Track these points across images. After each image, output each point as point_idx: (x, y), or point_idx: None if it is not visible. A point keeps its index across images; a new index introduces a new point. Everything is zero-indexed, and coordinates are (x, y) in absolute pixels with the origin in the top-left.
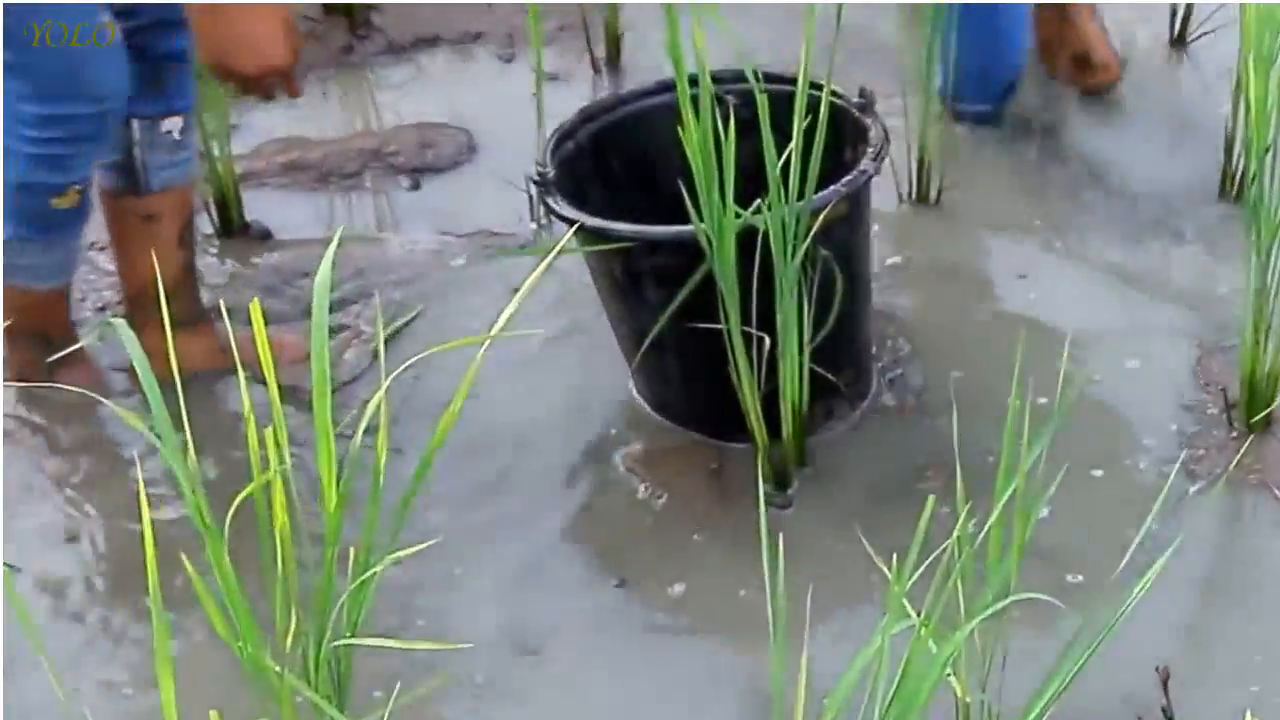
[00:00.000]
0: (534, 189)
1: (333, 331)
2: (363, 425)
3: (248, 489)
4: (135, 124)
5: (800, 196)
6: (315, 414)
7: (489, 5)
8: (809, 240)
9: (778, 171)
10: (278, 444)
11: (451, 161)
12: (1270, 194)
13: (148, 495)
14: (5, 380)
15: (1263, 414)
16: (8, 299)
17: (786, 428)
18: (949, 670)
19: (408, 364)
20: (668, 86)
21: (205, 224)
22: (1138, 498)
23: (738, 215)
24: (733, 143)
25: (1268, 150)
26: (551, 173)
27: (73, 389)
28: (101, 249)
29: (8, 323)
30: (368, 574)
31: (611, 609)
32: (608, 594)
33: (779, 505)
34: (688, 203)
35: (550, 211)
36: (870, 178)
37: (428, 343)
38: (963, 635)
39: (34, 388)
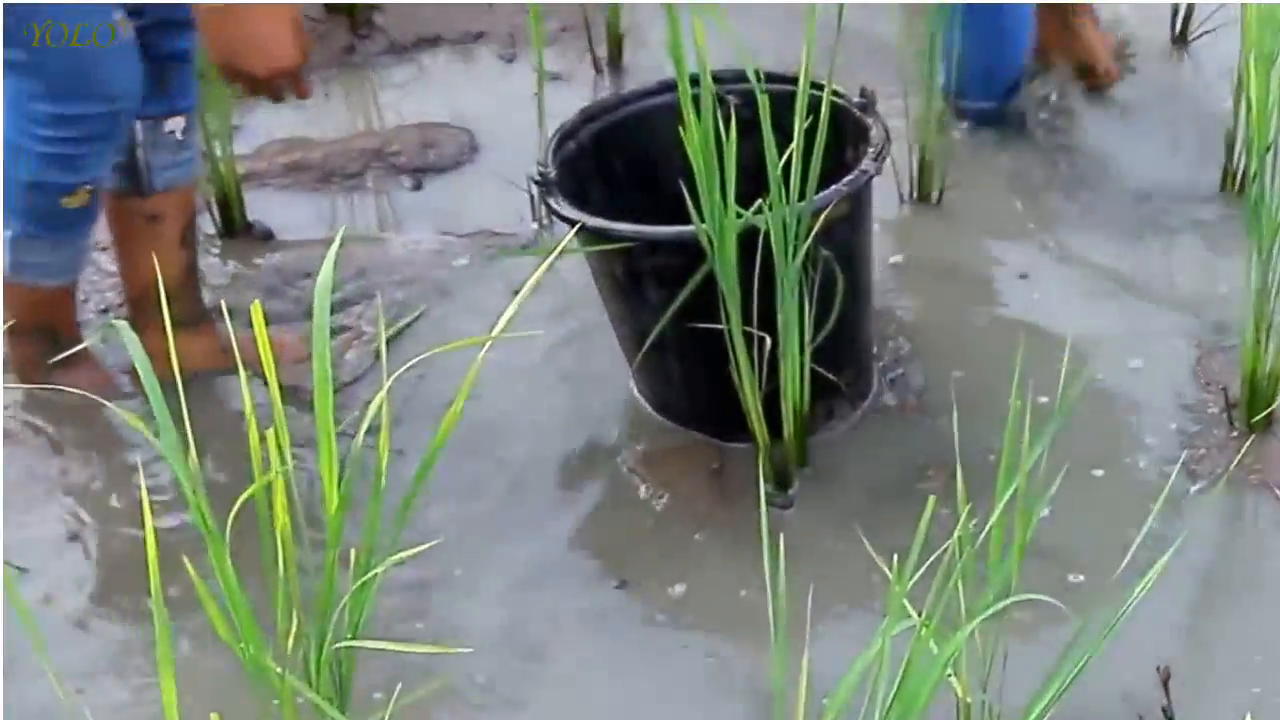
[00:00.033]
0: (535, 189)
1: (334, 332)
2: (364, 426)
3: (249, 490)
4: (138, 124)
5: (801, 196)
6: (317, 415)
7: (490, 5)
8: (810, 240)
9: (779, 171)
10: (279, 445)
11: (453, 161)
12: (1271, 193)
13: (150, 496)
14: (8, 380)
15: (1264, 413)
16: (15, 295)
17: (787, 428)
18: (950, 670)
19: (409, 365)
20: (669, 86)
21: (207, 224)
22: (1139, 497)
23: (739, 215)
24: (734, 143)
25: (1268, 149)
26: (553, 173)
27: (74, 391)
28: (103, 249)
29: (9, 323)
30: (369, 575)
31: (612, 609)
32: (609, 594)
33: (780, 505)
34: (689, 203)
35: (551, 212)
36: (871, 177)
37: (430, 343)
38: (963, 635)
39: (38, 389)
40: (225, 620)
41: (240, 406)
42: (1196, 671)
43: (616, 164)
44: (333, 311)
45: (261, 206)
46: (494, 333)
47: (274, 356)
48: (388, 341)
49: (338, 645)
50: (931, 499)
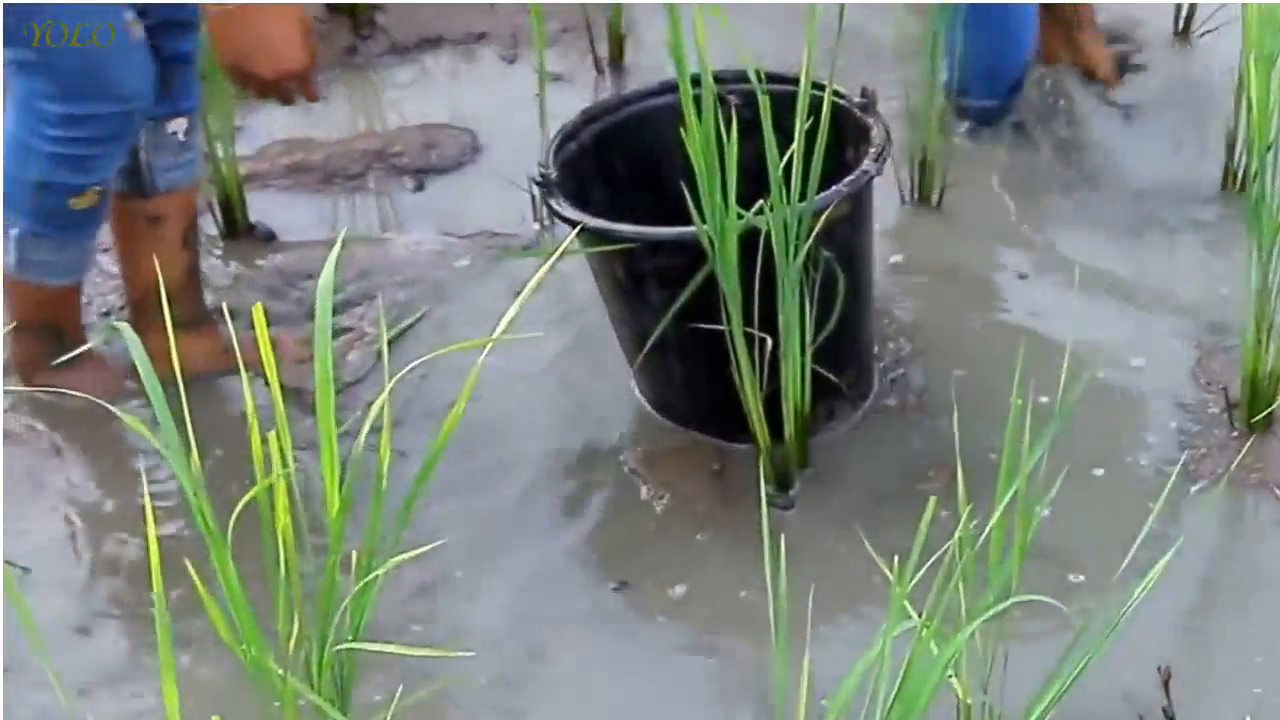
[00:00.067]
0: (537, 190)
1: (336, 333)
2: (366, 427)
3: (251, 492)
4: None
5: (802, 197)
6: (319, 417)
7: (492, 6)
8: (811, 241)
9: (780, 172)
10: (281, 448)
11: (455, 162)
12: (1272, 193)
13: (152, 497)
14: (11, 381)
15: (1264, 413)
16: (20, 293)
17: (788, 428)
18: (950, 671)
19: (411, 366)
20: (670, 87)
21: (209, 225)
22: (1139, 497)
23: (740, 216)
24: (735, 143)
25: (1269, 149)
26: (554, 173)
27: (76, 393)
28: (105, 251)
29: (11, 325)
30: (370, 577)
31: (613, 610)
32: (609, 595)
33: (781, 506)
34: (690, 203)
35: (553, 212)
36: (872, 178)
37: (431, 344)
38: (964, 636)
39: (41, 391)
40: (227, 622)
41: (242, 408)
42: (1197, 672)
43: (618, 165)
44: (335, 313)
45: (263, 208)
46: (495, 335)
47: (275, 358)
48: (389, 342)
49: (339, 647)
50: (932, 500)
